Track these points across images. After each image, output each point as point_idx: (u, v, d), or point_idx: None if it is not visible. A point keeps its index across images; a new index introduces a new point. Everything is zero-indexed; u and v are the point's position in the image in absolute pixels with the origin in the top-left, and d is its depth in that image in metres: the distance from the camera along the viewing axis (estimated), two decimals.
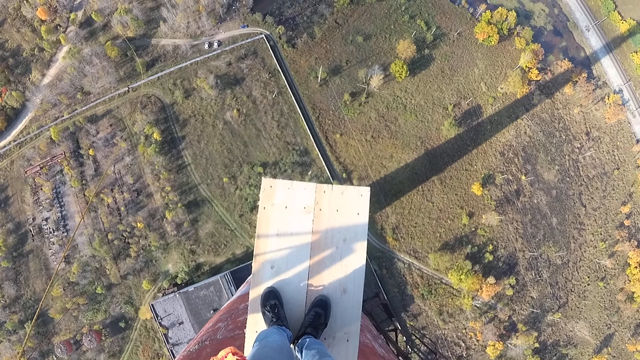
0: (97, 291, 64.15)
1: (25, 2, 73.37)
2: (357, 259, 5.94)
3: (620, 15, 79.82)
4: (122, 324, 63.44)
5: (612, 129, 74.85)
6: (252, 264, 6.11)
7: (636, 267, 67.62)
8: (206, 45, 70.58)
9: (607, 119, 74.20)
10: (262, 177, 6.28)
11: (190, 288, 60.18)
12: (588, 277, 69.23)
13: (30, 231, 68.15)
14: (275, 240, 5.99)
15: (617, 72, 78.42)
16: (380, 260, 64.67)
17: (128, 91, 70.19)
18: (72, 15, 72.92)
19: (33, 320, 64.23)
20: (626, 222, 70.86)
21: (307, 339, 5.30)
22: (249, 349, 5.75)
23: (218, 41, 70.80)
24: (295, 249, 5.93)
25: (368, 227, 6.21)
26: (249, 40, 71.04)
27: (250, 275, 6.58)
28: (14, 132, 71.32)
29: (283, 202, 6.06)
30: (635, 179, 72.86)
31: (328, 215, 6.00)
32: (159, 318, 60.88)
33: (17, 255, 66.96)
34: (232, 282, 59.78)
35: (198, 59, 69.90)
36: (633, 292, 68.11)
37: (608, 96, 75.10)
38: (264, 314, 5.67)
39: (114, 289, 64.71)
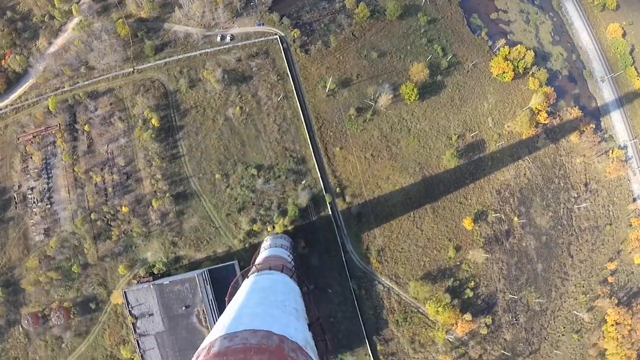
0: (72, 269, 63.06)
1: None
2: None
3: (637, 71, 79.40)
4: (92, 305, 62.48)
5: (611, 184, 74.42)
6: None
7: (613, 325, 67.39)
8: (218, 38, 69.35)
9: (607, 173, 73.75)
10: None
11: (165, 281, 58.98)
12: (564, 327, 68.98)
13: (14, 198, 66.91)
14: None
15: (625, 128, 78.02)
16: (360, 280, 64.01)
17: (133, 72, 68.81)
18: None
19: None
20: (610, 279, 70.60)
21: None
22: None
23: (231, 35, 69.57)
24: None
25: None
26: (262, 39, 69.88)
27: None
28: (13, 96, 69.89)
29: None
30: (626, 237, 72.55)
31: None
32: (129, 306, 59.75)
33: None
34: (208, 280, 58.43)
35: (208, 50, 68.66)
36: (605, 350, 67.88)
37: (612, 150, 74.65)
38: None
39: (90, 269, 63.69)
